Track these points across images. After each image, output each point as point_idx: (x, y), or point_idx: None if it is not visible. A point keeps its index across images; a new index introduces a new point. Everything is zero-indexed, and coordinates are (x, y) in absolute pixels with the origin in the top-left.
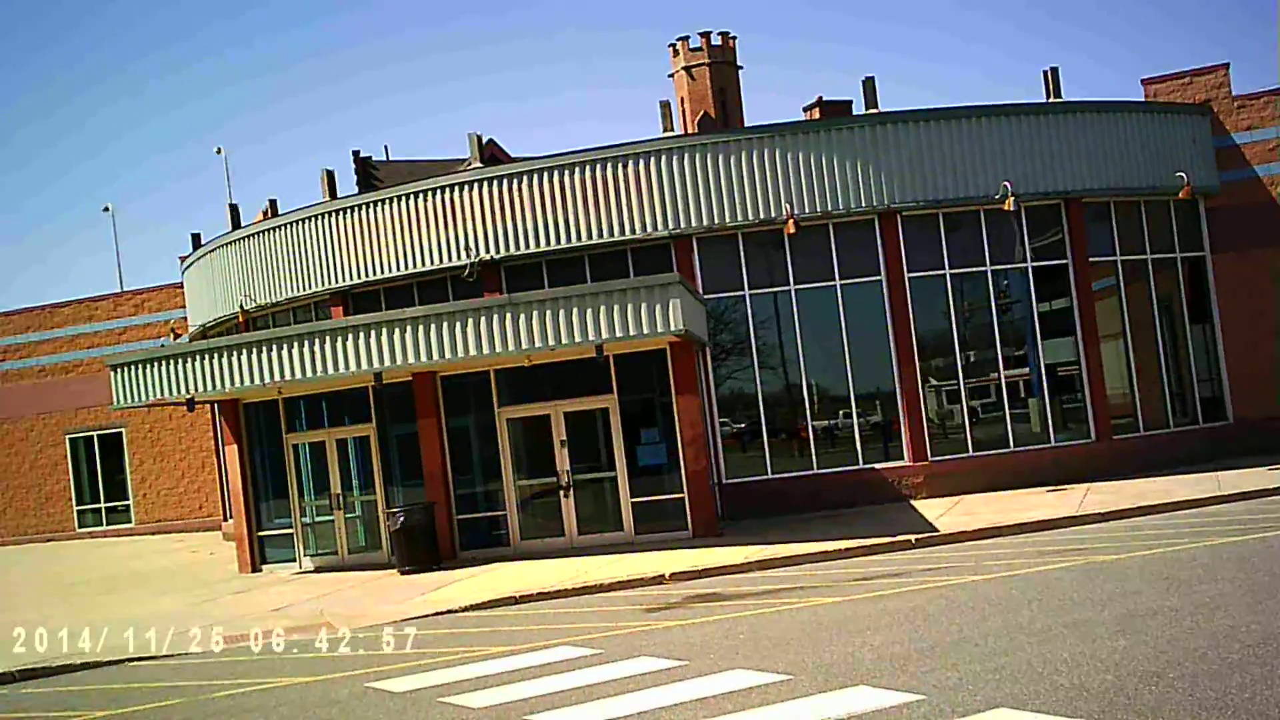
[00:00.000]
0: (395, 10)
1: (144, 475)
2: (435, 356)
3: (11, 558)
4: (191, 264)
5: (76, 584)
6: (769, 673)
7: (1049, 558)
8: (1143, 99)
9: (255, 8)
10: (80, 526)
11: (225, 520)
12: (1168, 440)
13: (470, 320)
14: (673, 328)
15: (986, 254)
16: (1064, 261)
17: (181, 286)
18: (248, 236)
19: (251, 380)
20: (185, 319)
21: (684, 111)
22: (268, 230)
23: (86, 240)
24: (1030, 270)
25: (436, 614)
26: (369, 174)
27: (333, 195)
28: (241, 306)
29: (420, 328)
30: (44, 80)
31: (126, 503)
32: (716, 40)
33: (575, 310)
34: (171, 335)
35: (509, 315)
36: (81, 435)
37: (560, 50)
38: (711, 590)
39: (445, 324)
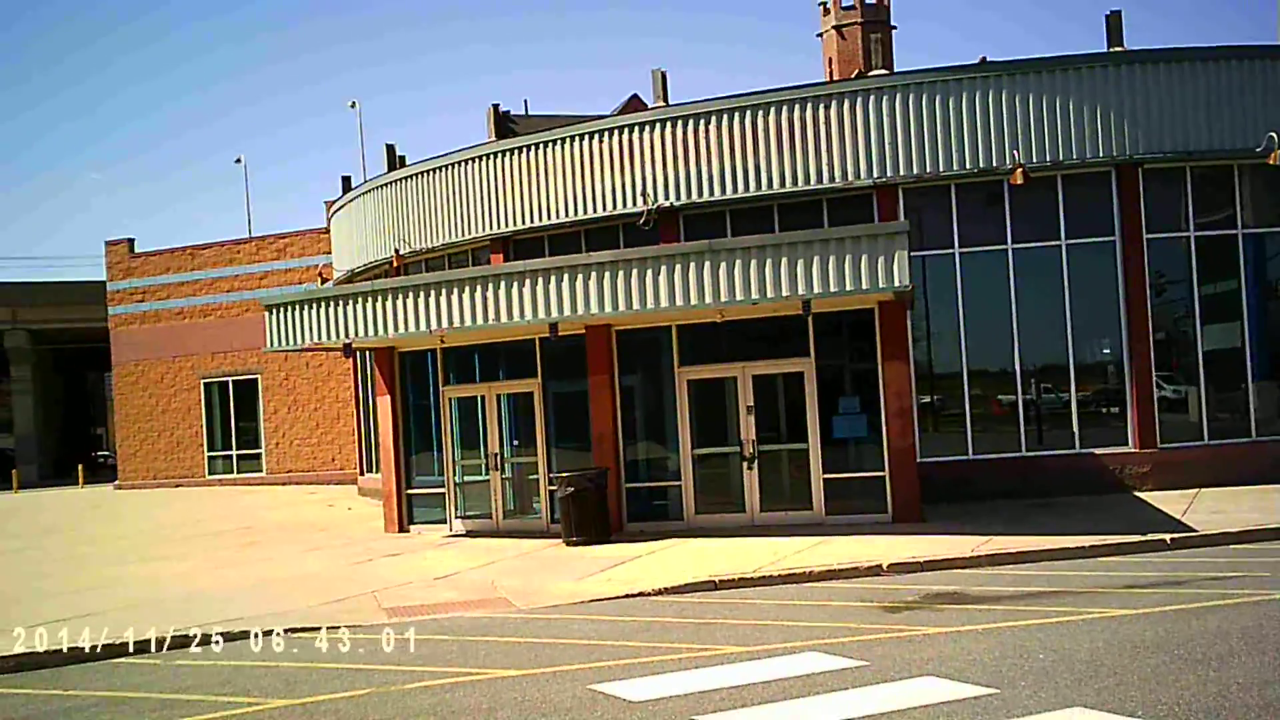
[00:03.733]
0: None
1: (277, 424)
2: (622, 307)
3: (146, 501)
4: (340, 208)
5: (217, 534)
6: (1125, 717)
7: None
8: None
9: None
10: (210, 473)
11: (362, 474)
12: None
13: (664, 268)
14: (897, 283)
15: (1239, 215)
16: None
17: (325, 232)
18: (404, 179)
19: (416, 326)
20: (331, 265)
21: (831, 74)
22: (426, 172)
23: (218, 194)
24: None
25: (626, 596)
26: (508, 129)
27: (499, 135)
28: (396, 251)
29: (606, 274)
30: (172, 31)
31: (258, 451)
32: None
33: (785, 260)
34: (319, 280)
35: (708, 264)
36: (216, 380)
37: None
38: (950, 588)
39: (635, 271)
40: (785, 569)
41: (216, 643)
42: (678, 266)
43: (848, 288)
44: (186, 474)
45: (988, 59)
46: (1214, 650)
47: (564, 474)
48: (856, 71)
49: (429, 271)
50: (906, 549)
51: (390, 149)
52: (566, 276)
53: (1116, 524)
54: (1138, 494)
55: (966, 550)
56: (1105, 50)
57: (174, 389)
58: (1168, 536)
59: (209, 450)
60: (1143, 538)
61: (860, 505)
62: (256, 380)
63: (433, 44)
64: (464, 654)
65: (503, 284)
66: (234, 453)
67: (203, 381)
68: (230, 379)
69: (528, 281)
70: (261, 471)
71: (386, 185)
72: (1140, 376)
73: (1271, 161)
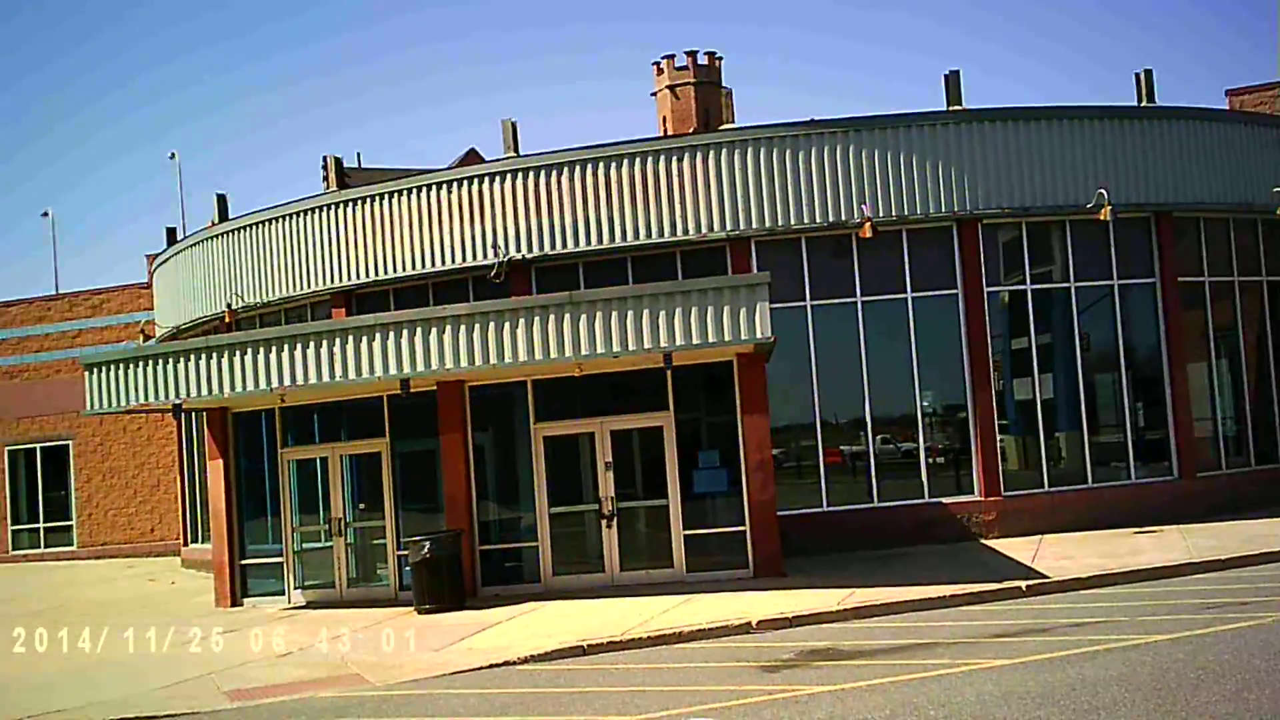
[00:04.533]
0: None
1: (90, 493)
2: (479, 362)
3: None
4: (165, 261)
5: (26, 614)
6: None
7: (1209, 612)
8: (1225, 110)
9: (211, 9)
10: (14, 548)
11: (186, 544)
12: (1249, 479)
13: (522, 320)
14: (759, 335)
15: (1071, 269)
16: (1151, 280)
17: (146, 287)
18: (236, 230)
19: (255, 384)
20: (154, 321)
21: (665, 132)
22: (260, 223)
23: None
24: (1116, 288)
25: (491, 666)
26: (344, 182)
27: (341, 184)
28: (229, 306)
29: (462, 328)
30: None
31: (69, 523)
32: (703, 60)
33: (646, 311)
34: (141, 338)
35: (569, 315)
36: (23, 447)
37: (543, 71)
38: (822, 644)
39: (492, 324)
40: (654, 630)
41: None
42: (536, 319)
43: (710, 339)
44: None
45: (815, 119)
46: (1098, 700)
47: (415, 538)
48: (692, 129)
49: (265, 327)
50: (773, 605)
51: (221, 199)
52: (420, 330)
53: (972, 572)
54: (985, 541)
55: (832, 604)
56: (945, 109)
57: None
58: (1023, 584)
59: (13, 524)
60: (999, 585)
61: (721, 561)
62: (68, 446)
63: (259, 96)
64: None
65: (350, 338)
66: (41, 525)
67: (7, 449)
68: (38, 445)
69: (378, 336)
70: (73, 545)
71: (217, 236)
72: (984, 426)
73: (1102, 218)
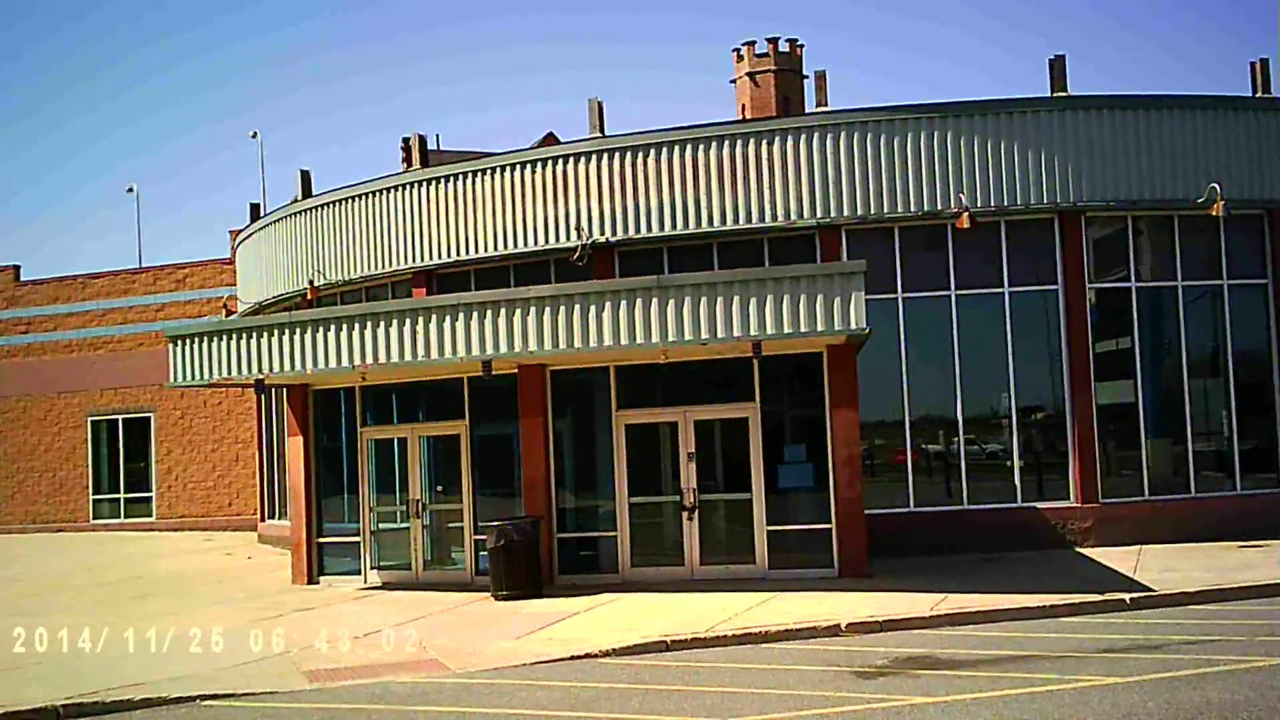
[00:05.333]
0: (431, 5)
1: (170, 465)
2: (563, 345)
3: (24, 548)
4: (248, 237)
5: (104, 584)
6: None
7: None
8: None
9: None
10: (95, 517)
11: (263, 520)
12: None
13: (608, 304)
14: (853, 325)
15: (1179, 267)
16: (1263, 281)
17: (229, 263)
18: (319, 207)
19: (338, 361)
20: (236, 297)
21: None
22: (343, 200)
23: (105, 221)
24: (1226, 289)
25: (572, 658)
26: (425, 159)
27: (424, 163)
28: (311, 283)
29: (546, 310)
30: (66, 55)
31: (148, 494)
32: (784, 47)
33: (736, 299)
34: (224, 313)
35: (655, 301)
36: (105, 418)
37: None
38: (917, 651)
39: (577, 307)
40: (739, 628)
41: (117, 712)
42: (623, 303)
43: (802, 329)
44: (68, 519)
45: (910, 104)
46: None
47: (494, 522)
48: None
49: (345, 305)
50: (861, 607)
51: (305, 174)
52: (503, 311)
53: (1069, 582)
54: (1080, 550)
55: (924, 609)
56: (1049, 95)
57: (58, 426)
58: (1127, 596)
59: (94, 493)
60: (1102, 597)
61: (804, 559)
62: (150, 419)
63: (339, 74)
64: None
65: (434, 318)
66: (121, 496)
67: (90, 419)
68: (121, 417)
69: (460, 316)
70: (151, 516)
71: (300, 213)
72: (1082, 428)
73: (1214, 213)
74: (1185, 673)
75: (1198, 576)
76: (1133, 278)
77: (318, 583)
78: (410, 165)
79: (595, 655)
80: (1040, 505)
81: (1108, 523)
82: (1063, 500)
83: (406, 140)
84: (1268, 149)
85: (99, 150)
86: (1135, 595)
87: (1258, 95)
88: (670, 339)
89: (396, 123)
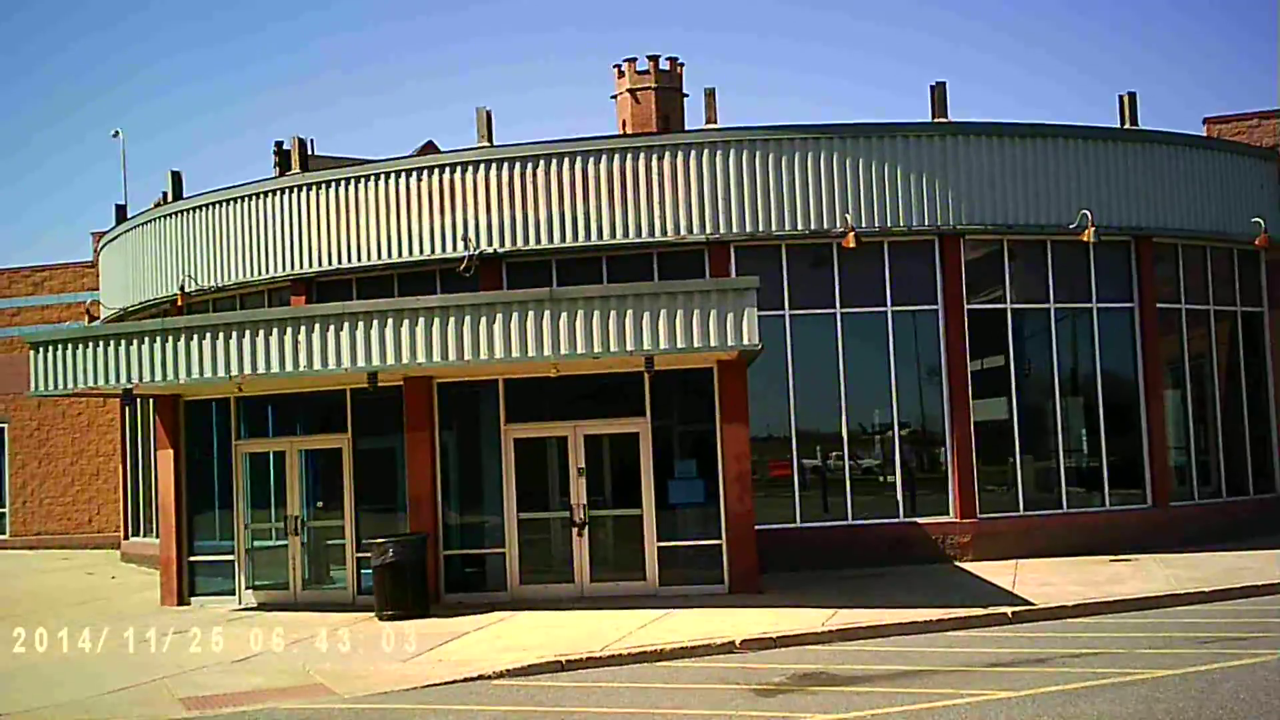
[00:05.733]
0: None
1: (25, 479)
2: (453, 357)
3: None
4: (113, 239)
5: None
6: None
7: (1208, 647)
8: (1206, 136)
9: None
10: None
11: (127, 538)
12: (1219, 510)
13: (499, 315)
14: (745, 341)
15: (1051, 289)
16: (1129, 305)
17: (92, 266)
18: (191, 209)
19: (214, 371)
20: (99, 302)
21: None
22: (217, 204)
23: None
24: (1095, 311)
25: (465, 680)
26: (305, 163)
27: (303, 167)
28: (182, 288)
29: (436, 320)
30: None
31: (0, 510)
32: (664, 65)
33: (630, 312)
34: (86, 319)
35: (548, 313)
36: None
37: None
38: (813, 667)
39: (468, 318)
40: (633, 647)
41: None
42: (514, 314)
43: (695, 344)
44: None
45: (800, 124)
46: None
47: (378, 539)
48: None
49: (219, 312)
50: (754, 624)
51: (175, 175)
52: (390, 321)
53: (953, 596)
54: (959, 564)
55: (816, 624)
56: (931, 119)
57: None
58: (1009, 610)
59: None
60: (985, 611)
61: (695, 575)
62: (2, 430)
63: (206, 80)
64: None
65: (316, 327)
66: None
67: None
68: None
69: (345, 325)
70: (4, 534)
71: (170, 215)
72: (961, 445)
73: (1085, 239)
74: (1073, 686)
75: (1074, 590)
76: (1008, 299)
77: (189, 604)
78: (283, 171)
79: (489, 677)
80: (921, 520)
81: (985, 538)
82: (943, 515)
83: (280, 144)
84: (1135, 179)
85: None
86: (1016, 609)
87: (1125, 127)
88: (563, 352)
89: (264, 129)
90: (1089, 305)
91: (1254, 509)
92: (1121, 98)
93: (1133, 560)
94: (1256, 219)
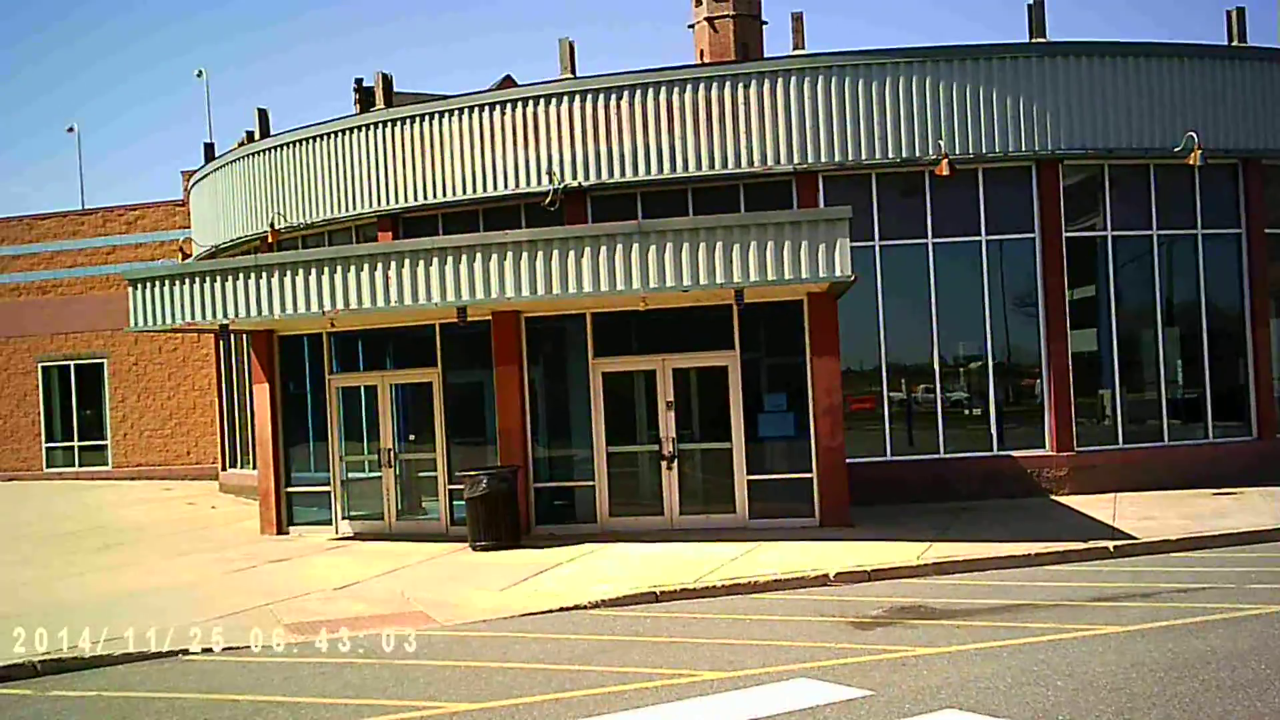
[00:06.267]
0: None
1: (125, 413)
2: (541, 291)
3: None
4: (203, 178)
5: (63, 536)
6: None
7: None
8: None
9: None
10: (49, 465)
11: (225, 469)
12: None
13: (587, 249)
14: (839, 273)
15: (1154, 216)
16: (1236, 231)
17: (182, 205)
18: (278, 147)
19: (306, 306)
20: (191, 240)
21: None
22: (303, 141)
23: (47, 169)
24: (1200, 238)
25: (561, 609)
26: (389, 100)
27: (387, 103)
28: (272, 225)
29: (524, 254)
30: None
31: (103, 442)
32: None
33: (719, 245)
34: (179, 256)
35: (636, 246)
36: (57, 364)
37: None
38: (910, 600)
39: (555, 252)
40: (727, 579)
41: (98, 667)
42: (603, 248)
43: (786, 276)
44: (21, 466)
45: (888, 48)
46: (1239, 676)
47: (471, 472)
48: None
49: (309, 248)
50: (848, 557)
51: (262, 114)
52: (479, 256)
53: (1051, 529)
54: (1055, 498)
55: (910, 558)
56: (1027, 40)
57: (7, 373)
58: (1111, 544)
59: (47, 441)
60: (1085, 545)
61: (785, 509)
62: (103, 365)
63: (286, 20)
64: (400, 682)
65: (406, 262)
66: (75, 444)
67: (40, 365)
68: (72, 363)
69: (434, 260)
70: (107, 465)
71: (258, 154)
72: (1058, 377)
73: (1191, 163)
74: (1183, 621)
75: (1177, 524)
76: (1108, 226)
77: (287, 533)
78: (364, 109)
79: (585, 607)
80: (1016, 454)
81: (1083, 471)
82: (1038, 449)
83: (359, 81)
84: (1242, 98)
85: (36, 82)
86: (1119, 543)
87: (1233, 45)
88: (652, 285)
89: (345, 68)
90: (1193, 231)
91: None
92: (1229, 13)
93: (1237, 494)
94: None
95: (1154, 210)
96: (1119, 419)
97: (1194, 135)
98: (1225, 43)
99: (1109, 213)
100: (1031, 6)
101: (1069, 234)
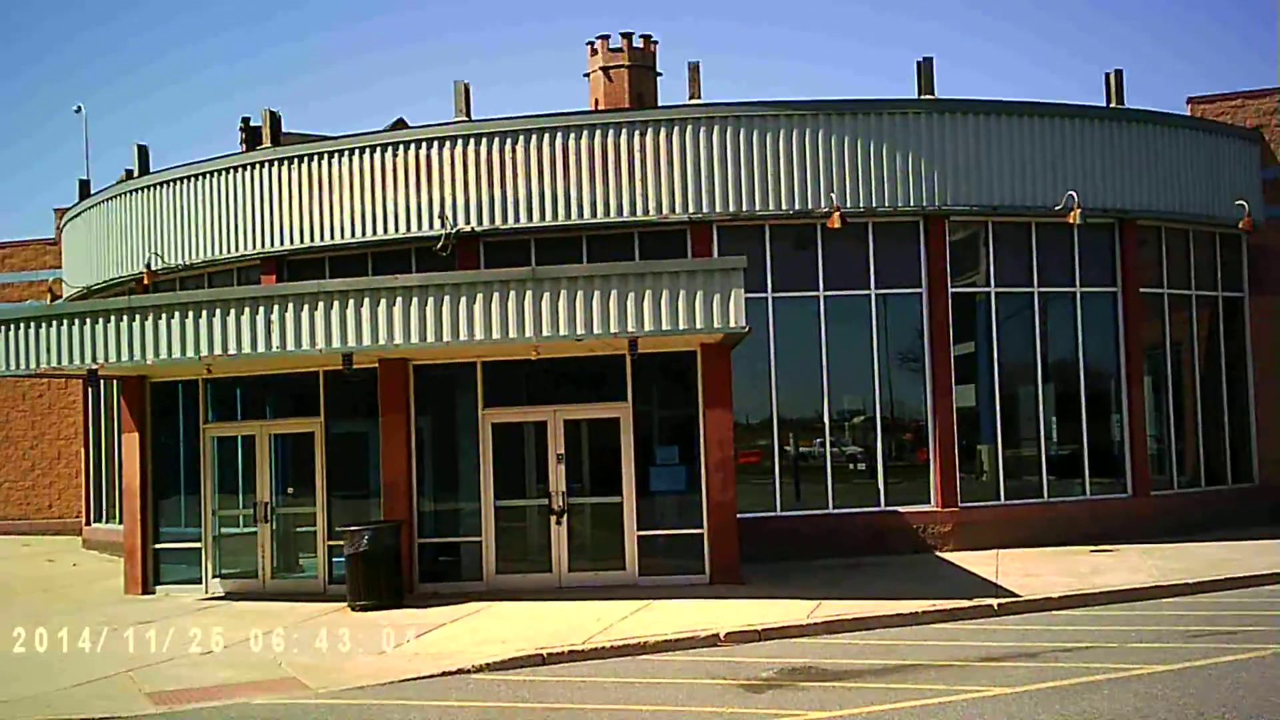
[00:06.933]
0: None
1: None
2: (431, 338)
3: None
4: (76, 216)
5: None
6: None
7: (1200, 641)
8: (1191, 116)
9: None
10: None
11: (88, 524)
12: (1199, 500)
13: (480, 295)
14: (732, 324)
15: (1035, 273)
16: (1112, 289)
17: (54, 243)
18: (158, 185)
19: (183, 351)
20: (62, 280)
21: None
22: (185, 179)
23: None
24: (1079, 296)
25: (444, 674)
26: (276, 138)
27: (275, 142)
28: (148, 266)
29: (414, 300)
30: None
31: None
32: (638, 43)
33: (614, 293)
34: (49, 297)
35: (530, 293)
36: None
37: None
38: (800, 661)
39: (447, 298)
40: (616, 639)
41: None
42: (495, 294)
43: (681, 326)
44: None
45: (784, 100)
46: None
47: (353, 527)
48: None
49: (185, 290)
50: (738, 615)
51: (142, 150)
52: (367, 300)
53: (937, 587)
54: (940, 554)
55: (800, 617)
56: (917, 97)
57: None
58: (994, 602)
59: None
60: (970, 603)
61: (676, 565)
62: None
63: (172, 52)
64: None
65: (290, 306)
66: None
67: None
68: None
69: (320, 304)
70: None
71: (137, 191)
72: (943, 432)
73: (1071, 221)
74: (1069, 682)
75: (1058, 581)
76: (991, 282)
77: (154, 592)
78: (250, 147)
79: (468, 671)
80: (902, 509)
81: (966, 527)
82: (923, 504)
83: (246, 120)
84: (1120, 159)
85: None
86: (1002, 600)
87: (1112, 106)
88: (545, 333)
89: (230, 105)
90: (1072, 289)
91: (1234, 499)
92: (1108, 75)
93: (1115, 551)
94: (1240, 201)
95: (1035, 267)
96: (1000, 475)
97: (1074, 194)
98: (1105, 104)
99: (992, 269)
100: (920, 63)
101: (954, 289)
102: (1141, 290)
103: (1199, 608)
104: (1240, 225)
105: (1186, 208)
